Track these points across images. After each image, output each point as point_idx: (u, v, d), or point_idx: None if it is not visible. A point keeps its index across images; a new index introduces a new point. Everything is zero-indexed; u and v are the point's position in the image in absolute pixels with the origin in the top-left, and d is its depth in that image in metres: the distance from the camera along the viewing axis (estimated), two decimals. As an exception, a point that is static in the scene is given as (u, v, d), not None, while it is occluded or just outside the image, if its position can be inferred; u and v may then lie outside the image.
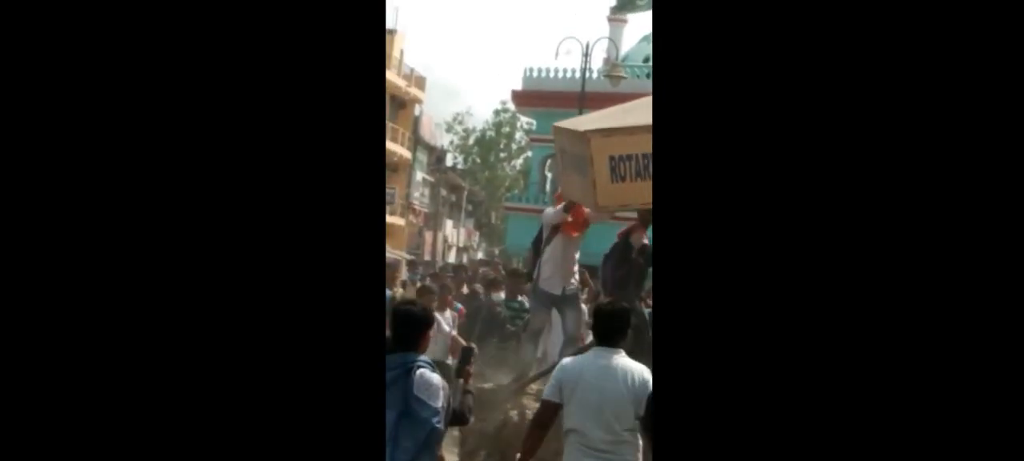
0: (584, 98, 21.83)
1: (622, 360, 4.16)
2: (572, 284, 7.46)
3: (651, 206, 6.24)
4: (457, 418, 4.28)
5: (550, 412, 4.21)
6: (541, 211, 8.28)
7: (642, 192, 5.24)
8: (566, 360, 4.44)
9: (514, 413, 6.11)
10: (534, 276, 7.43)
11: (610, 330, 4.25)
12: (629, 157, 5.20)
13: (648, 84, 23.50)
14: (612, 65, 20.67)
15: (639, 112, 6.04)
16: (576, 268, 7.57)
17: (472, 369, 4.65)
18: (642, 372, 4.08)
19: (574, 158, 5.70)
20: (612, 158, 5.20)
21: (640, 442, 4.01)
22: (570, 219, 7.10)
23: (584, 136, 5.30)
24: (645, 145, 5.19)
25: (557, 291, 7.33)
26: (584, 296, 8.13)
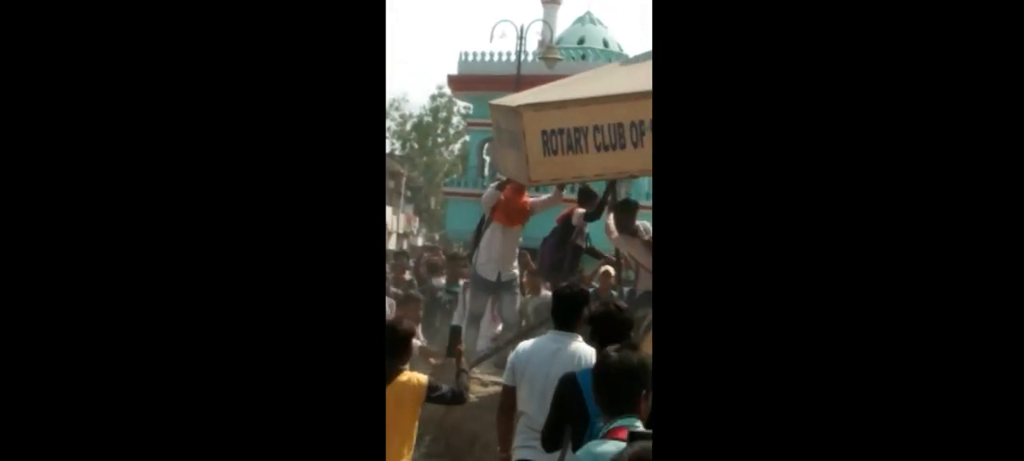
0: (520, 81, 21.83)
1: (574, 345, 4.15)
2: (510, 271, 7.50)
3: (583, 180, 6.29)
4: (455, 398, 4.31)
5: (508, 396, 4.19)
6: (480, 195, 8.30)
7: (574, 166, 5.32)
8: (522, 343, 4.44)
9: (457, 396, 6.10)
10: (473, 261, 7.46)
11: (567, 314, 4.22)
12: (561, 131, 5.25)
13: (583, 66, 23.56)
14: (547, 47, 20.72)
15: (572, 86, 6.09)
16: (516, 256, 7.60)
17: (462, 347, 4.67)
18: (591, 358, 4.00)
19: (508, 134, 5.76)
20: (544, 132, 5.26)
21: None
22: (503, 197, 7.13)
23: (517, 111, 5.36)
24: (576, 119, 5.27)
25: (492, 278, 7.38)
26: (524, 277, 8.17)
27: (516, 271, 7.69)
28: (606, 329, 3.82)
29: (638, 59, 6.65)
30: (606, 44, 23.97)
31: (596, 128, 5.25)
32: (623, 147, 5.27)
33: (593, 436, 3.47)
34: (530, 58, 22.32)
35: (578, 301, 4.28)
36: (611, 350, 3.01)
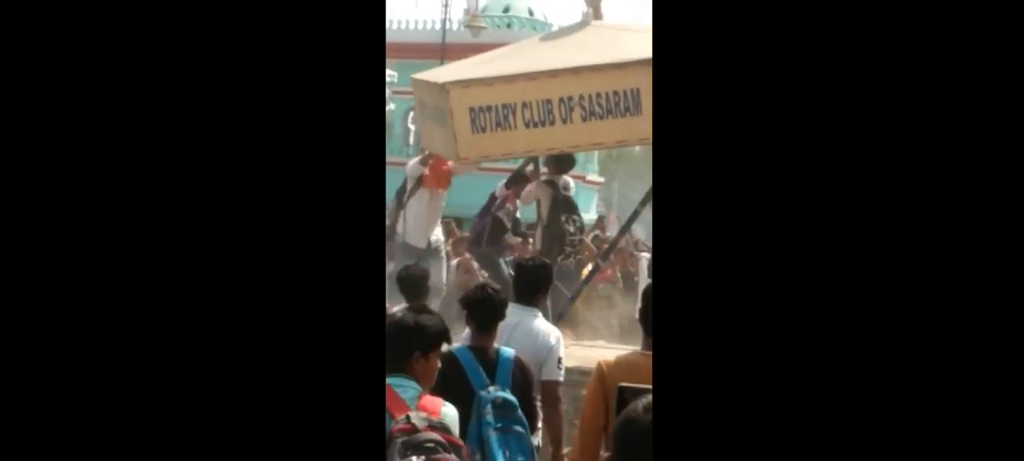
0: (445, 49, 21.75)
1: (533, 321, 4.12)
2: (437, 236, 7.56)
3: (512, 156, 6.33)
4: None
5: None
6: (405, 164, 8.32)
7: (503, 143, 5.34)
8: None
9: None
10: (399, 230, 7.49)
11: (528, 287, 4.20)
12: (489, 108, 5.26)
13: (508, 34, 23.49)
14: (472, 16, 20.69)
15: (498, 62, 6.09)
16: (439, 221, 7.66)
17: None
18: (548, 334, 4.07)
19: (434, 110, 5.72)
20: (472, 109, 5.25)
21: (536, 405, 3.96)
22: (428, 171, 7.16)
23: (443, 88, 5.33)
24: (504, 96, 5.28)
25: (422, 244, 7.41)
26: (448, 246, 8.23)
27: (441, 236, 7.75)
28: (481, 313, 3.81)
29: (562, 32, 6.63)
30: (531, 13, 23.99)
31: (524, 105, 5.26)
32: (552, 123, 5.30)
33: (480, 413, 3.51)
34: (455, 27, 22.26)
35: (540, 274, 4.26)
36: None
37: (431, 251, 7.46)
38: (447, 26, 20.92)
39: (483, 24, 20.34)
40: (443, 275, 7.71)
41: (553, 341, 4.09)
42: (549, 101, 5.26)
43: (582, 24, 6.34)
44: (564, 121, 5.26)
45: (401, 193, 7.52)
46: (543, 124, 5.29)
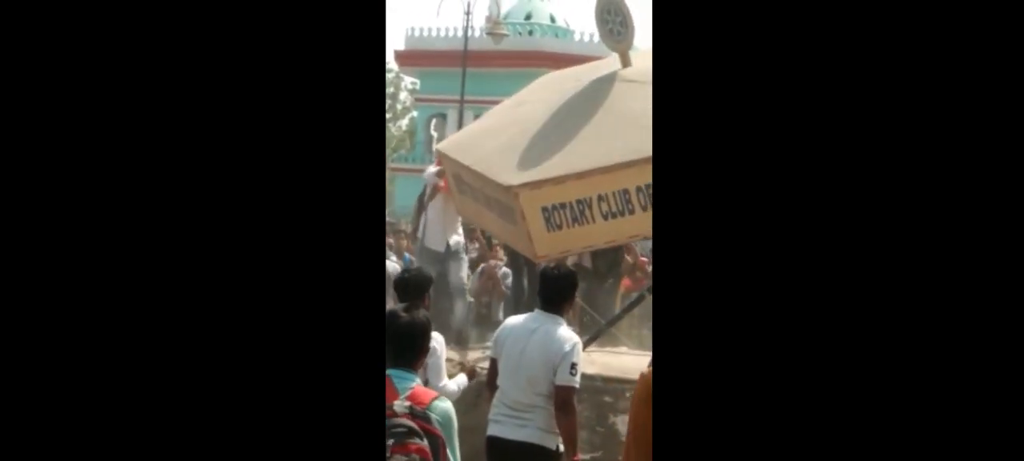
0: (467, 57, 21.82)
1: (552, 326, 4.15)
2: (455, 238, 7.64)
3: (594, 248, 5.96)
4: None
5: (492, 367, 4.26)
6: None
7: (582, 237, 5.14)
8: (509, 318, 4.43)
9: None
10: (419, 235, 7.57)
11: (552, 295, 4.23)
12: (563, 205, 5.04)
13: (530, 42, 23.30)
14: (494, 23, 20.69)
15: (521, 115, 5.76)
16: (459, 223, 7.72)
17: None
18: (563, 340, 4.10)
19: (493, 201, 5.51)
20: (545, 209, 5.01)
21: (552, 409, 4.03)
22: (442, 183, 7.22)
23: (510, 191, 5.09)
24: (578, 191, 5.08)
25: (441, 248, 7.48)
26: (474, 252, 8.31)
27: (461, 238, 7.83)
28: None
29: (593, 89, 6.16)
30: (553, 20, 23.99)
31: (601, 198, 5.04)
32: (632, 212, 5.06)
33: None
34: (477, 34, 22.27)
35: (564, 283, 4.28)
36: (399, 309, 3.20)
37: (451, 254, 7.52)
38: (469, 34, 20.95)
39: (505, 31, 20.34)
40: (464, 277, 7.78)
41: (568, 347, 4.11)
42: (627, 191, 5.03)
43: (611, 78, 5.93)
44: (644, 208, 5.01)
45: (422, 198, 7.60)
46: (622, 214, 5.06)
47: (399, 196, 23.42)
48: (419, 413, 2.95)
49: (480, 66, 22.42)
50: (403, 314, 3.15)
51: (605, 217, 5.08)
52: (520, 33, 23.02)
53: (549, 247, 5.08)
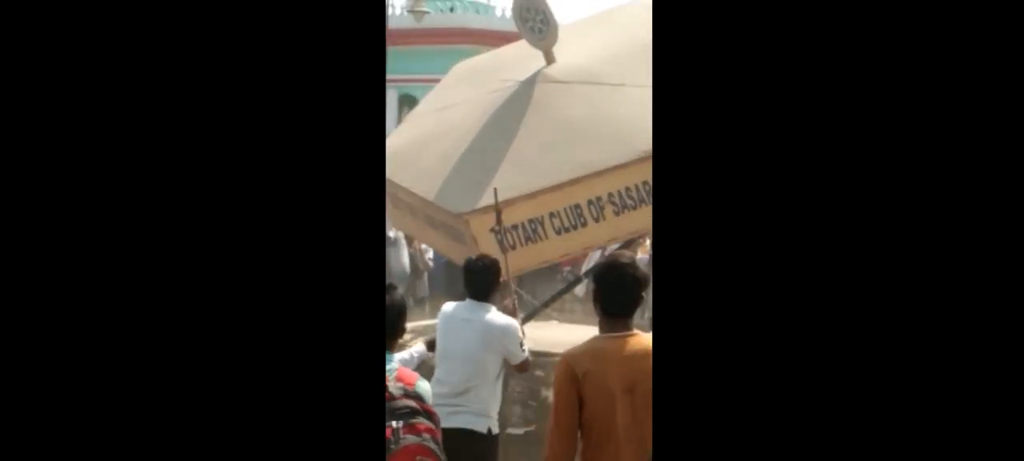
0: (388, 35, 21.57)
1: (483, 314, 4.36)
2: (395, 231, 7.99)
3: (550, 263, 5.86)
4: None
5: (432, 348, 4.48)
6: None
7: (537, 253, 5.15)
8: (445, 306, 4.61)
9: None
10: None
11: (480, 286, 4.42)
12: (515, 226, 5.04)
13: (451, 18, 23.14)
14: (415, 0, 20.58)
15: (497, 164, 5.46)
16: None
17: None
18: (500, 326, 4.34)
19: (438, 222, 5.48)
20: (495, 230, 4.99)
21: (498, 392, 4.32)
22: None
23: (460, 218, 5.09)
24: (529, 212, 5.07)
25: (390, 234, 8.00)
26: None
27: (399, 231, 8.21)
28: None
29: (519, 92, 5.95)
30: None
31: (552, 214, 5.08)
32: (585, 225, 5.12)
33: None
34: (398, 12, 22.10)
35: (489, 274, 4.46)
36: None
37: (391, 243, 7.86)
38: (390, 11, 20.80)
39: (426, 9, 20.24)
40: (405, 264, 8.35)
41: (509, 331, 4.33)
42: (578, 205, 5.09)
43: (537, 79, 5.86)
44: (596, 220, 5.09)
45: None
46: (575, 228, 5.11)
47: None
48: (412, 393, 3.00)
49: (402, 44, 22.27)
50: (397, 295, 3.20)
51: (558, 232, 5.10)
52: (441, 10, 22.86)
53: (509, 266, 4.98)
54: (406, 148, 5.93)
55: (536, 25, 5.76)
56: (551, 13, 5.74)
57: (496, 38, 23.18)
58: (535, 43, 5.86)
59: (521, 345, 4.37)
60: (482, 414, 4.23)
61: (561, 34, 5.87)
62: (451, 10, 23.48)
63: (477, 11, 23.51)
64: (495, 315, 4.39)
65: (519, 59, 6.16)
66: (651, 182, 4.79)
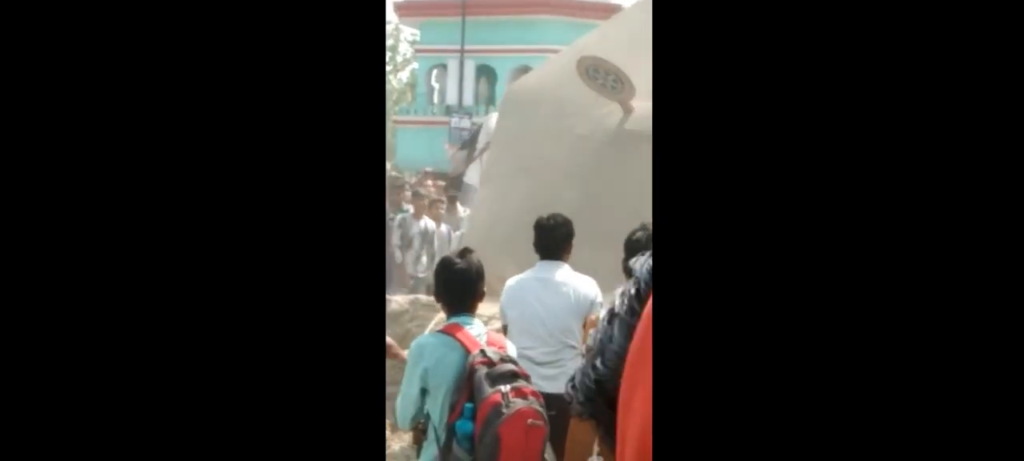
0: (466, 5, 21.64)
1: (563, 273, 4.17)
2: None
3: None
4: None
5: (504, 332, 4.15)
6: (432, 122, 8.70)
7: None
8: (510, 281, 4.35)
9: (413, 325, 6.08)
10: (466, 179, 7.84)
11: (549, 243, 4.22)
12: None
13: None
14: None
15: None
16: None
17: None
18: (583, 285, 4.13)
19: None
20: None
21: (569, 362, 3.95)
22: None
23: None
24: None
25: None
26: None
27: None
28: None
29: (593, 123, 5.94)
30: None
31: None
32: None
33: None
34: (475, -19, 22.15)
35: (561, 230, 4.24)
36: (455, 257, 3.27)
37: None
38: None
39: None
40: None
41: (593, 294, 4.13)
42: None
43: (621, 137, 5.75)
44: None
45: (472, 143, 7.86)
46: None
47: (400, 149, 23.37)
48: (507, 358, 3.03)
49: (479, 14, 22.31)
50: (458, 261, 3.22)
51: None
52: None
53: None
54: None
55: (607, 83, 5.59)
56: (621, 71, 5.53)
57: (575, 7, 23.14)
58: (610, 97, 5.72)
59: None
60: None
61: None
62: (530, -22, 23.40)
63: (559, -20, 23.40)
64: (572, 273, 4.19)
65: (583, 94, 5.87)
66: None
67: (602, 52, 5.65)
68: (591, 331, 2.31)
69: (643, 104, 5.46)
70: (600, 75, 5.59)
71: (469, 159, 8.01)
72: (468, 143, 7.95)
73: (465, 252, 3.29)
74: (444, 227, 8.63)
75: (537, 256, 4.27)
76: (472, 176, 7.93)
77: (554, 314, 4.08)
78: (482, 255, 3.30)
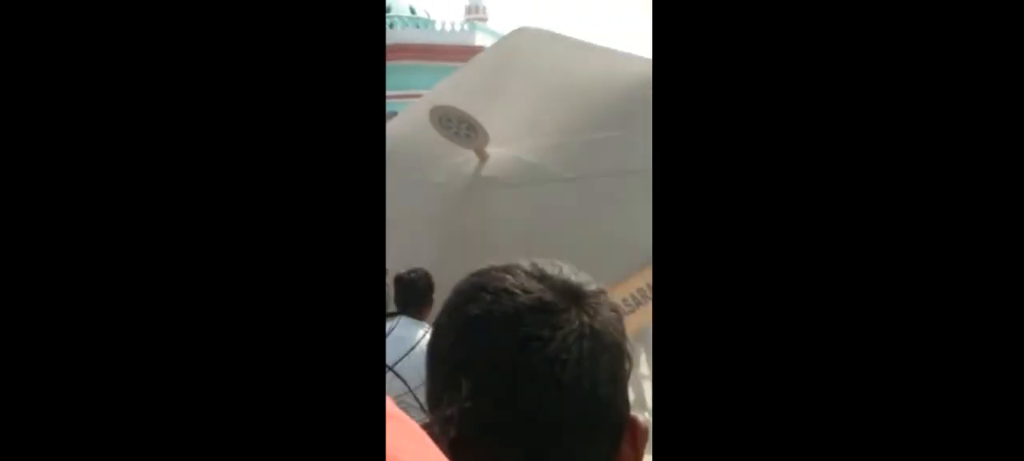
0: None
1: (419, 331, 4.16)
2: None
3: None
4: None
5: None
6: None
7: None
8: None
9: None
10: None
11: (411, 297, 4.24)
12: None
13: (391, 35, 22.28)
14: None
15: None
16: None
17: None
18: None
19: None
20: None
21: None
22: None
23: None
24: None
25: None
26: None
27: None
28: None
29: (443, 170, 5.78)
30: (413, 11, 24.07)
31: None
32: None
33: None
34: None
35: (421, 282, 4.29)
36: None
37: None
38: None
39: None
40: None
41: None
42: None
43: (476, 183, 5.82)
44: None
45: None
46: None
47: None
48: None
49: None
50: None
51: None
52: (405, 25, 23.11)
53: None
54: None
55: (461, 131, 5.58)
56: (473, 118, 5.57)
57: (438, 51, 22.88)
58: (464, 146, 5.56)
59: None
60: None
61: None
62: (390, 26, 22.90)
63: (417, 25, 23.49)
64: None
65: (438, 142, 5.82)
66: (648, 284, 4.74)
67: (455, 99, 5.68)
68: None
69: (498, 150, 5.60)
70: (453, 123, 5.56)
71: None
72: None
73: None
74: None
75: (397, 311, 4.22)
76: None
77: (410, 372, 4.20)
78: None
